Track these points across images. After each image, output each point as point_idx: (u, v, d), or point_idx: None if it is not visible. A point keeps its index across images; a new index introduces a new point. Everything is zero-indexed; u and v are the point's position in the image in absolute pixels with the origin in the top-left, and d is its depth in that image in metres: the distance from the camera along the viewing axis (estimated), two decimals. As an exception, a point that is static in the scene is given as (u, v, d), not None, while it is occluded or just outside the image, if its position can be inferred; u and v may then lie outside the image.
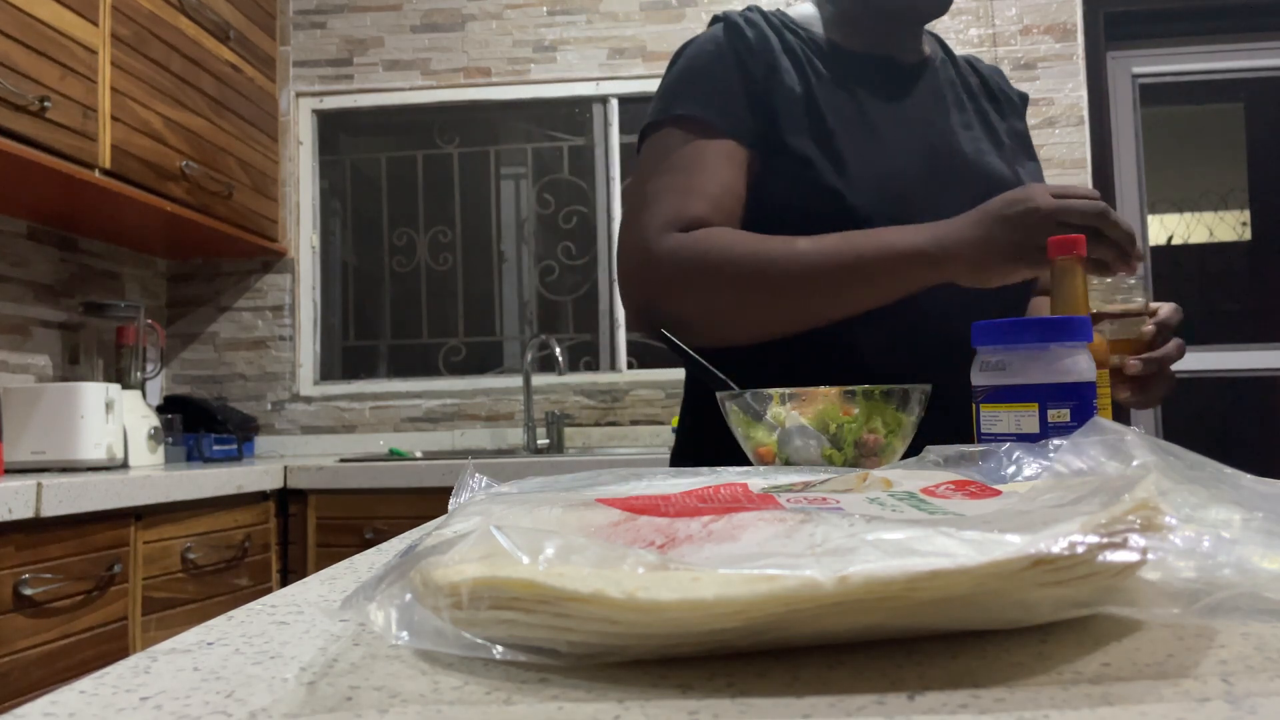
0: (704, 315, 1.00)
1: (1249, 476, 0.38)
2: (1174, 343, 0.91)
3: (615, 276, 2.96)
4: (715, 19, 1.11)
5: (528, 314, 3.07)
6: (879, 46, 1.11)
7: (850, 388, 0.75)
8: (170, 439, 2.42)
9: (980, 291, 0.93)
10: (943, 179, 1.03)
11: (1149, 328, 0.89)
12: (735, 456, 0.85)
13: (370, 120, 3.12)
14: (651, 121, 1.07)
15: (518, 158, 3.10)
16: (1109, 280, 0.88)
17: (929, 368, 0.90)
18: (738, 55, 1.06)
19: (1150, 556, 0.31)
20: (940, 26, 2.79)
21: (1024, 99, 1.25)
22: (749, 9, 1.11)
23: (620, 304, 2.99)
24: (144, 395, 2.36)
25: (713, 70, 1.06)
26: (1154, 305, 0.92)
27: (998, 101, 1.19)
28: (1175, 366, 0.93)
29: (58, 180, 2.00)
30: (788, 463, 0.76)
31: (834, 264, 0.92)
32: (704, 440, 1.09)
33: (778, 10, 1.15)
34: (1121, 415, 2.71)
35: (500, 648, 0.31)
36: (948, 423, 0.89)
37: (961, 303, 0.96)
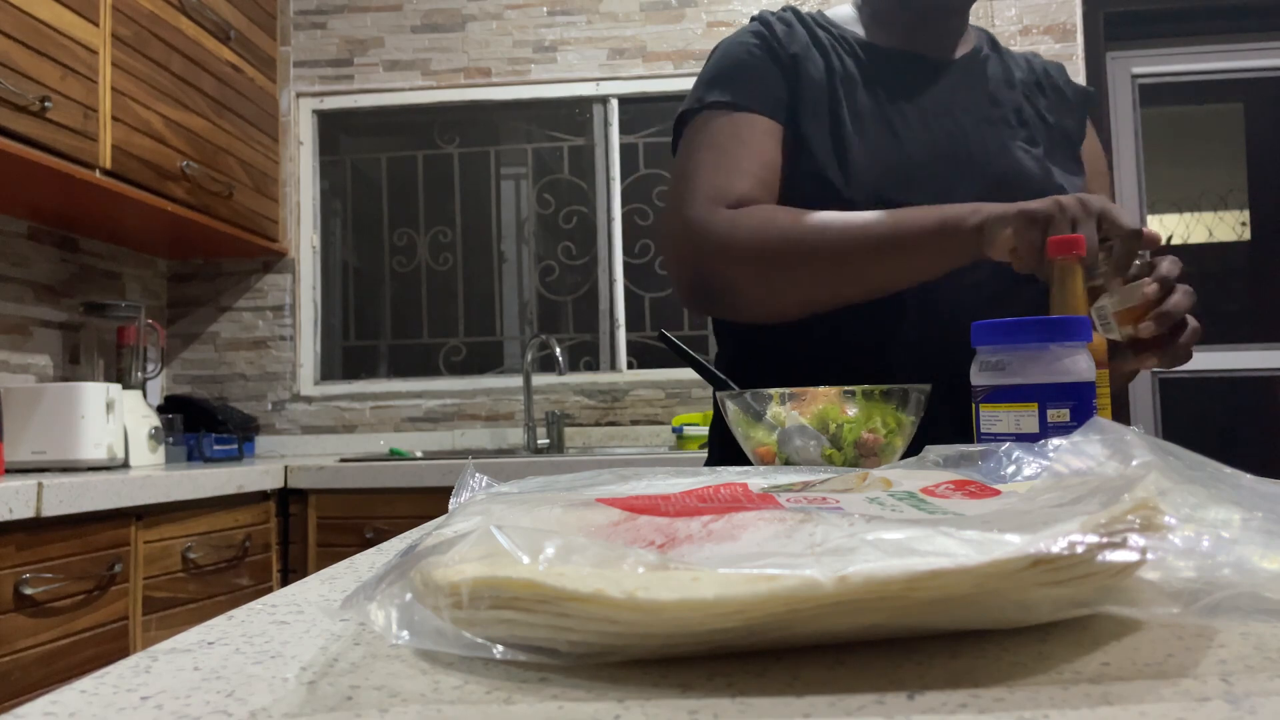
0: (756, 287, 1.00)
1: (1249, 476, 0.38)
2: (1181, 291, 0.86)
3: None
4: (752, 19, 1.14)
5: (528, 314, 3.07)
6: (912, 43, 1.12)
7: (850, 388, 0.75)
8: (171, 439, 2.42)
9: (999, 299, 0.94)
10: (956, 177, 1.03)
11: (1151, 288, 0.83)
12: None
13: (370, 120, 3.12)
14: (686, 109, 1.10)
15: (518, 158, 3.10)
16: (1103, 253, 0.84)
17: (940, 370, 0.90)
18: (769, 46, 1.09)
19: (1150, 556, 0.31)
20: (940, 26, 2.79)
21: (1087, 96, 1.20)
22: (785, 8, 1.15)
23: (619, 304, 2.99)
24: (144, 395, 2.36)
25: (745, 60, 1.09)
26: (1151, 261, 0.87)
27: (1047, 98, 1.16)
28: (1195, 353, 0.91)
29: (58, 180, 2.00)
30: (788, 463, 0.76)
31: (884, 234, 0.93)
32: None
33: (817, 10, 1.17)
34: (1121, 415, 2.71)
35: (500, 647, 0.31)
36: (954, 423, 0.89)
37: (978, 303, 0.97)
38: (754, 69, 1.08)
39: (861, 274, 0.96)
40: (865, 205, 0.99)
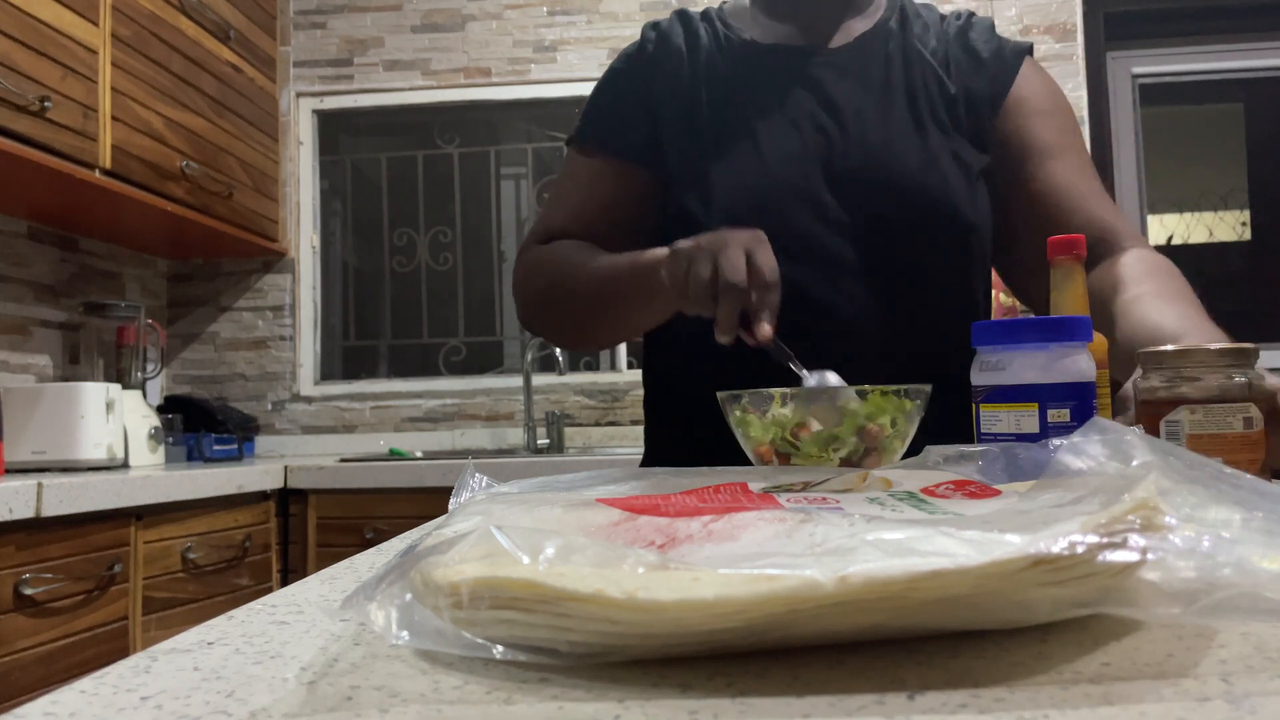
0: (535, 319, 1.11)
1: (1249, 476, 0.38)
2: None
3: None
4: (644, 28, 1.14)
5: (528, 314, 3.06)
6: (804, 31, 1.08)
7: (861, 387, 0.75)
8: (170, 439, 2.42)
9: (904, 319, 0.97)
10: (824, 180, 1.01)
11: (1251, 416, 0.61)
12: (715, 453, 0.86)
13: (370, 120, 3.12)
14: (566, 140, 1.16)
15: (518, 158, 3.10)
16: (1215, 348, 0.63)
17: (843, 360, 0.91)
18: (637, 74, 1.10)
19: (1150, 556, 0.31)
20: (940, 26, 2.79)
21: (1011, 50, 1.08)
22: (673, 14, 1.12)
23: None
24: (144, 395, 2.36)
25: (608, 91, 1.13)
26: (1253, 381, 0.63)
27: (956, 65, 1.06)
28: None
29: (58, 180, 2.00)
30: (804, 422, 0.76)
31: (610, 279, 0.96)
32: (676, 440, 1.10)
33: (720, 6, 1.14)
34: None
35: (500, 648, 0.31)
36: None
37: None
38: (615, 104, 1.11)
39: (611, 316, 1.00)
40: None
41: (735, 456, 0.82)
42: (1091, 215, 1.02)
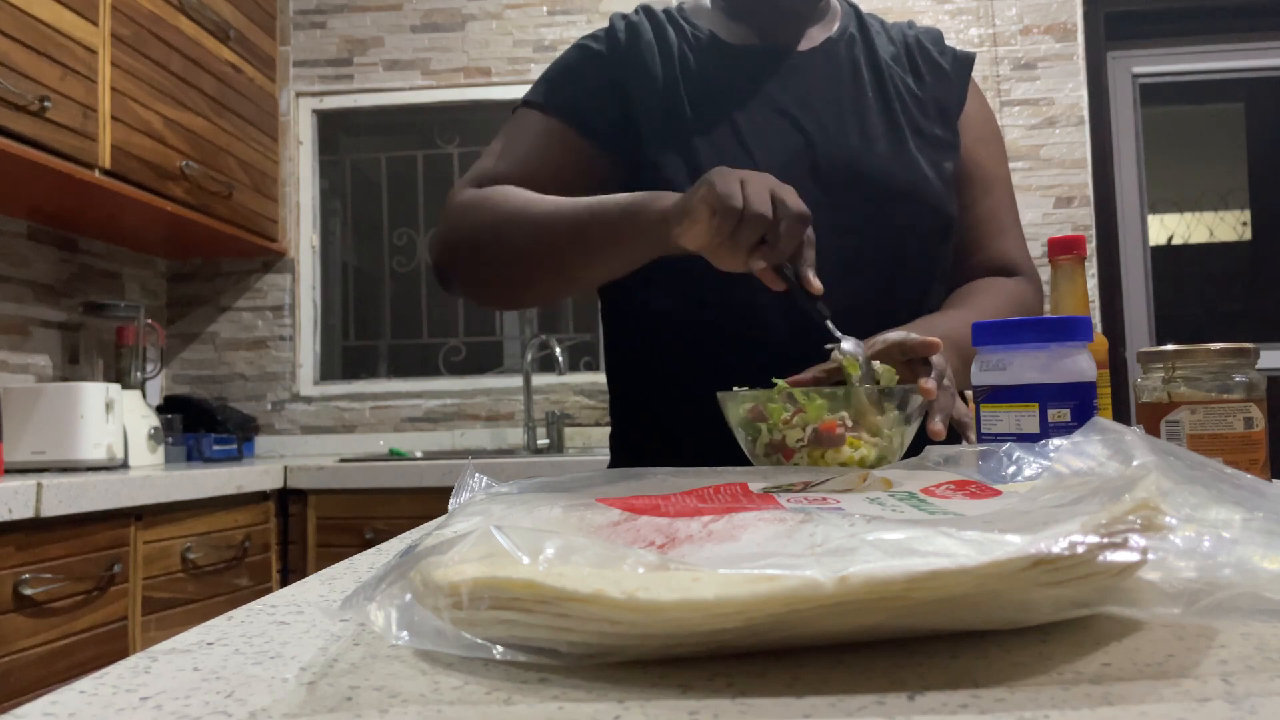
0: (465, 266, 1.02)
1: (1249, 476, 0.38)
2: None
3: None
4: (611, 18, 1.12)
5: (527, 313, 3.06)
6: (766, 36, 1.09)
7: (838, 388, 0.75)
8: (170, 439, 2.42)
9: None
10: (812, 177, 1.01)
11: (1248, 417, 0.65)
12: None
13: (370, 120, 3.12)
14: (515, 106, 1.11)
15: (518, 158, 3.10)
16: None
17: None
18: (609, 60, 1.07)
19: (1150, 556, 0.31)
20: (940, 27, 2.78)
21: (963, 61, 1.15)
22: (638, 9, 1.11)
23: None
24: (144, 395, 2.36)
25: (577, 68, 1.09)
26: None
27: (918, 71, 1.11)
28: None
29: (58, 180, 2.00)
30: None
31: (578, 222, 0.92)
32: (646, 441, 1.10)
33: (678, 5, 1.14)
34: (1122, 415, 2.71)
35: (500, 648, 0.31)
36: None
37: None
38: (581, 78, 1.08)
39: (559, 261, 0.95)
40: None
41: (719, 453, 0.82)
42: (1003, 248, 1.11)
